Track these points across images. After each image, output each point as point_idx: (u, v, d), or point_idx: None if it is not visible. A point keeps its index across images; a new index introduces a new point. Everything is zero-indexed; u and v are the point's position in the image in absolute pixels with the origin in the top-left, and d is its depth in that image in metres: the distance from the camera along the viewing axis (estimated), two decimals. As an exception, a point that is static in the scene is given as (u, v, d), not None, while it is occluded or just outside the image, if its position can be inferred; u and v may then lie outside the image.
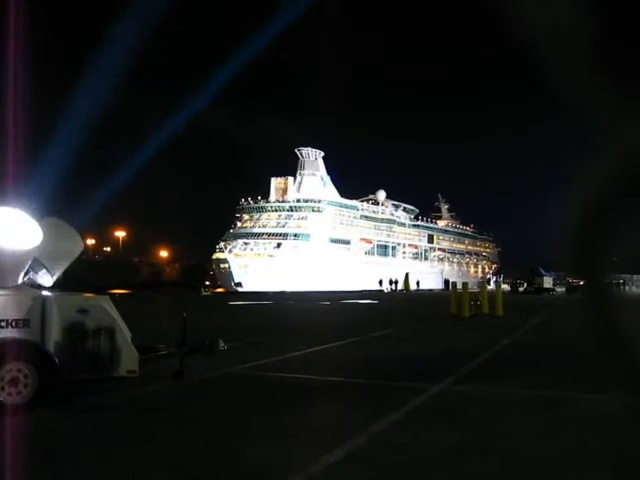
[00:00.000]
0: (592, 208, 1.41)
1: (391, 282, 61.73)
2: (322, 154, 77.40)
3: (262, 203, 73.78)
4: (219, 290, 59.71)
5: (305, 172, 76.12)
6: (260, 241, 68.61)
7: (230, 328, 12.76)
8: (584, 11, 1.29)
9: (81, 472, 3.71)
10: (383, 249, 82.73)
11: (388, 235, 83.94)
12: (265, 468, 3.77)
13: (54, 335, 5.29)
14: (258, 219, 71.96)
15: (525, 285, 59.37)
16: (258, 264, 65.63)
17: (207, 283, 66.04)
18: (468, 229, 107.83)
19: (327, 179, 77.68)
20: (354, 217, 78.29)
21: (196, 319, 7.47)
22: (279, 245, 68.59)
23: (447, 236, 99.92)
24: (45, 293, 5.61)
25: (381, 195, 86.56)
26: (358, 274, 69.71)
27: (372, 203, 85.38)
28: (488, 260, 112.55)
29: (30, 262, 5.75)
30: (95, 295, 6.20)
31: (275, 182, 75.05)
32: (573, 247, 1.46)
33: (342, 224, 75.77)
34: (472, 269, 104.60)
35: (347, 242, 75.91)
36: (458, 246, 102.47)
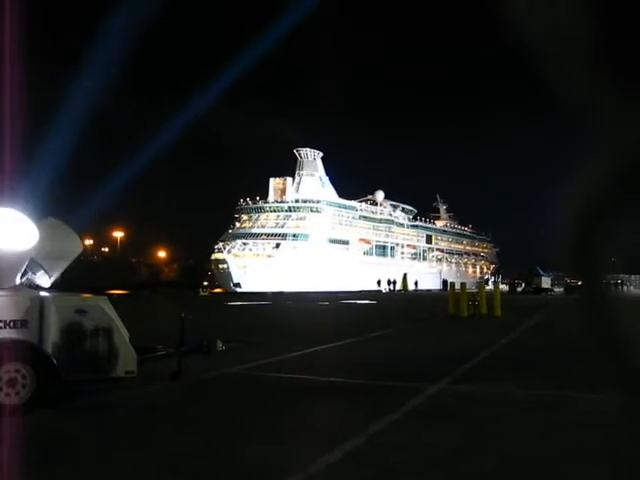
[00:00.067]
0: (592, 208, 1.40)
1: (389, 282, 61.76)
2: (321, 154, 77.43)
3: (261, 203, 73.73)
4: (217, 290, 59.69)
5: (304, 172, 76.10)
6: (259, 241, 68.58)
7: (228, 328, 12.75)
8: (584, 11, 1.29)
9: (80, 472, 3.71)
10: (382, 249, 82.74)
11: (387, 235, 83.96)
12: (264, 468, 3.77)
13: (52, 336, 5.28)
14: (257, 219, 71.91)
15: (523, 285, 59.42)
16: (257, 264, 65.59)
17: (205, 283, 66.00)
18: (466, 229, 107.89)
19: (326, 179, 77.69)
20: (353, 217, 78.29)
21: (194, 319, 7.46)
22: (278, 245, 68.56)
23: (445, 236, 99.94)
24: (43, 293, 5.60)
25: (379, 195, 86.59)
26: (357, 274, 69.70)
27: (370, 203, 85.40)
28: (486, 260, 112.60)
29: (27, 263, 5.74)
30: (93, 295, 6.19)
31: (274, 182, 75.02)
32: (572, 247, 1.45)
33: (341, 224, 75.77)
34: (470, 269, 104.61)
35: (346, 242, 75.90)
36: (456, 246, 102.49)
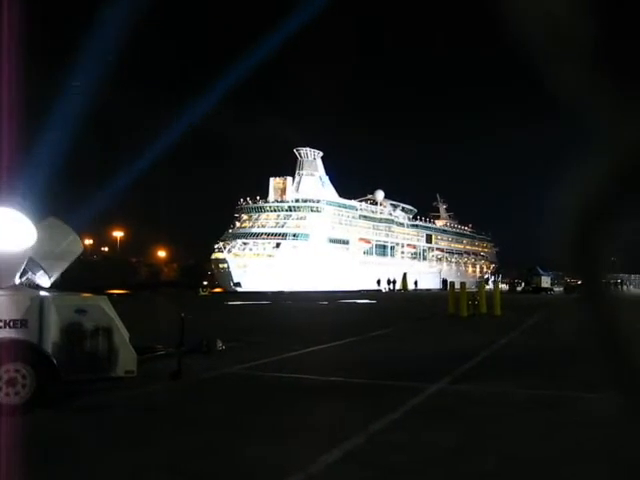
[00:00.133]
0: (592, 208, 1.40)
1: (389, 282, 61.77)
2: (321, 154, 77.41)
3: (261, 203, 73.73)
4: (217, 290, 59.68)
5: (304, 172, 76.09)
6: (259, 241, 68.58)
7: (228, 328, 12.75)
8: (584, 11, 1.29)
9: (80, 472, 3.71)
10: (382, 249, 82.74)
11: (387, 235, 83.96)
12: (264, 468, 3.77)
13: (52, 335, 5.28)
14: (257, 219, 71.92)
15: (523, 285, 59.41)
16: (257, 264, 65.59)
17: (205, 283, 66.00)
18: (466, 229, 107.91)
19: (326, 179, 77.68)
20: (353, 217, 78.28)
21: (194, 319, 7.46)
22: (278, 245, 68.56)
23: (445, 236, 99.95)
24: (43, 293, 5.60)
25: (379, 195, 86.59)
26: (356, 274, 69.72)
27: (370, 203, 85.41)
28: (486, 260, 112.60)
29: (26, 262, 5.74)
30: (93, 295, 6.19)
31: (274, 182, 75.01)
32: (572, 247, 1.45)
33: (341, 224, 75.76)
34: (470, 269, 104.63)
35: (346, 242, 75.90)
36: (456, 246, 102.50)
